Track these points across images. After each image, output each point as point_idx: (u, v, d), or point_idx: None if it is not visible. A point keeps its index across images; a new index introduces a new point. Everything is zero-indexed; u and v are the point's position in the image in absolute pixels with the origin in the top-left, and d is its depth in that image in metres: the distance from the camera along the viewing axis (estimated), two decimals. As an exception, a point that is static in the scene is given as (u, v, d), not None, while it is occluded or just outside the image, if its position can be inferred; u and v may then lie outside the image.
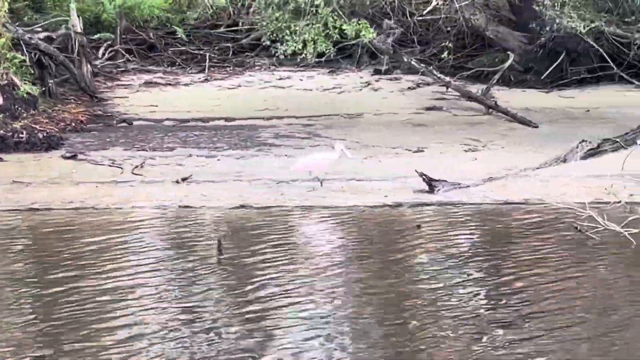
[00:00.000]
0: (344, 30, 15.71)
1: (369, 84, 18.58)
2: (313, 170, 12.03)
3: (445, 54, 18.15)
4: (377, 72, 19.20)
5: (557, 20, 17.75)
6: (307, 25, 15.63)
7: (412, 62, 17.58)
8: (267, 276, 8.45)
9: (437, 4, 18.91)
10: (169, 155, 13.69)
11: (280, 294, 7.93)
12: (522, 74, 18.08)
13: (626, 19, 17.94)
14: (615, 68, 17.70)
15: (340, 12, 15.79)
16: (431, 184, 12.05)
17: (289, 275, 8.54)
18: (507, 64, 17.44)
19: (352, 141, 14.28)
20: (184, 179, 12.31)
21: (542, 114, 15.91)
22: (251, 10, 20.23)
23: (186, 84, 18.73)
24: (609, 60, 17.66)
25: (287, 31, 15.79)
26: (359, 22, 15.88)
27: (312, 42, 15.63)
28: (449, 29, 19.14)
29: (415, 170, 12.11)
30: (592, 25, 17.64)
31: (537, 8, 17.38)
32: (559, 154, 13.24)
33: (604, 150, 13.30)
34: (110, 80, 18.55)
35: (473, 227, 10.76)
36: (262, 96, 17.90)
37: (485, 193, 11.83)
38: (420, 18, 19.18)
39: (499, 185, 12.12)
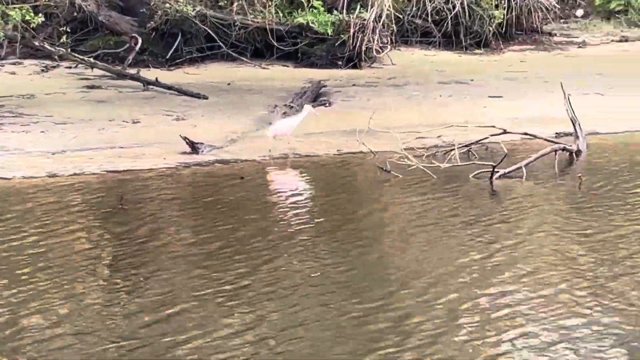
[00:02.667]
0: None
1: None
2: (286, 134, 13.21)
3: (64, 38, 18.85)
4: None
5: (168, 5, 19.66)
6: None
7: (47, 47, 18.04)
8: None
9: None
10: None
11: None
12: (139, 55, 19.40)
13: (220, 3, 20.48)
14: (223, 47, 19.99)
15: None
16: (194, 146, 13.41)
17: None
18: (137, 47, 18.79)
19: (60, 121, 14.74)
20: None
21: (194, 88, 17.56)
22: None
23: None
24: (217, 39, 19.90)
25: None
26: None
27: None
28: (62, 13, 19.60)
29: (180, 135, 13.41)
30: (198, 9, 19.89)
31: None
32: (252, 118, 15.49)
33: (290, 114, 15.85)
34: None
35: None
36: None
37: (244, 151, 13.59)
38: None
39: (248, 144, 13.94)
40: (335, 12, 20.50)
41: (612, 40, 23.61)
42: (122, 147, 13.42)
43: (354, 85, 18.44)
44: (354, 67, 20.27)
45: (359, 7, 20.42)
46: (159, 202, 11.02)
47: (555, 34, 24.38)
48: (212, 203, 10.92)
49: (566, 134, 13.67)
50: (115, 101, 16.40)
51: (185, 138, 13.38)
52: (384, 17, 20.51)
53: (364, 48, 20.19)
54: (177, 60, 19.84)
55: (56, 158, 12.69)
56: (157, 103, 16.36)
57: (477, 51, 22.39)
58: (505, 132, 12.63)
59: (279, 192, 11.85)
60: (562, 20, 25.74)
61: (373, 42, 20.37)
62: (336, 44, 20.22)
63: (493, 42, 22.73)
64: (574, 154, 12.53)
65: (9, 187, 11.41)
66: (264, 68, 20.01)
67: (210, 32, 19.91)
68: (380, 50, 20.72)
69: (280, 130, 13.53)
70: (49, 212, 10.20)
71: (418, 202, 10.87)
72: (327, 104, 16.61)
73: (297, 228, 9.71)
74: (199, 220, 10.23)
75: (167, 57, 19.65)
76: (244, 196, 11.23)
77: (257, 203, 10.98)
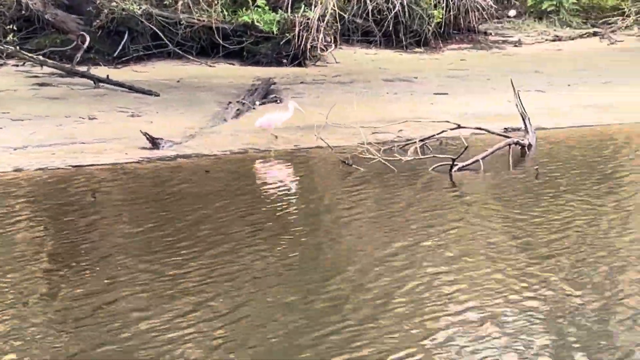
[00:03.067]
0: None
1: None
2: (271, 127, 13.63)
3: (10, 37, 18.84)
4: None
5: (114, 4, 19.77)
6: None
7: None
8: None
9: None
10: None
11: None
12: (86, 53, 19.42)
13: (165, 2, 20.63)
14: (170, 45, 20.15)
15: None
16: (154, 141, 13.62)
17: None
18: (85, 45, 18.86)
19: (16, 117, 14.81)
20: None
21: (144, 86, 17.68)
22: None
23: None
24: (163, 38, 20.05)
25: None
26: None
27: None
28: (8, 12, 19.54)
29: (140, 131, 13.65)
30: (144, 7, 20.03)
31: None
32: (206, 115, 15.75)
33: (243, 110, 16.18)
34: None
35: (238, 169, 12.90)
36: None
37: (202, 146, 13.85)
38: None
39: (206, 139, 14.20)
40: (280, 11, 20.80)
41: (546, 40, 24.39)
42: (83, 143, 13.57)
43: (301, 82, 18.80)
44: (299, 65, 20.62)
45: (303, 6, 20.76)
46: (125, 196, 11.23)
47: (491, 34, 25.08)
48: (176, 194, 11.16)
49: (514, 129, 14.20)
50: (69, 98, 16.48)
51: (145, 134, 13.58)
52: (327, 16, 20.90)
53: (308, 46, 20.56)
54: (124, 58, 19.94)
55: (19, 153, 12.79)
56: (109, 100, 16.47)
57: (417, 50, 22.94)
58: (459, 126, 13.10)
59: (244, 185, 12.09)
60: (496, 20, 26.43)
61: (317, 40, 20.75)
62: (281, 43, 20.55)
63: (432, 41, 23.29)
64: (526, 148, 13.04)
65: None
66: (210, 66, 20.24)
67: (157, 31, 20.06)
68: (324, 49, 21.12)
69: (267, 122, 13.80)
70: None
71: (375, 194, 11.30)
72: (278, 101, 16.91)
73: (255, 218, 10.01)
74: (162, 212, 10.43)
75: (115, 55, 19.73)
76: (208, 189, 11.48)
77: (219, 195, 11.21)
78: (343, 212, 10.34)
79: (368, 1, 22.69)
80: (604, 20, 26.13)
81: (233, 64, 20.58)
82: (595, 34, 24.86)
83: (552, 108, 16.14)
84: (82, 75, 17.72)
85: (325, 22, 20.80)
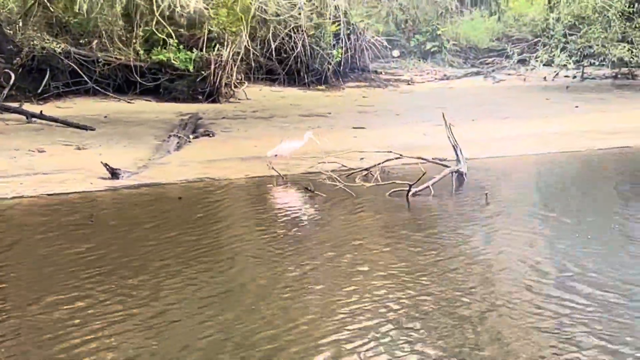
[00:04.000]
0: None
1: None
2: (285, 155, 14.48)
3: None
4: None
5: (35, 42, 20.24)
6: None
7: None
8: None
9: None
10: None
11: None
12: (10, 90, 19.78)
13: (81, 41, 21.21)
14: (89, 82, 20.74)
15: None
16: (114, 172, 14.29)
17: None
18: (11, 82, 19.28)
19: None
20: None
21: (75, 120, 18.22)
22: None
23: None
24: (82, 75, 20.63)
25: None
26: None
27: None
28: None
29: (101, 162, 14.29)
30: (62, 46, 20.58)
31: (8, 32, 19.66)
32: (149, 147, 16.54)
33: (182, 143, 17.03)
34: None
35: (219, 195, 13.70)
36: None
37: (160, 176, 14.59)
38: None
39: (158, 169, 14.96)
40: (194, 49, 21.71)
41: (435, 78, 26.19)
42: (44, 174, 14.07)
43: (223, 117, 19.74)
44: (214, 101, 21.59)
45: (217, 45, 21.74)
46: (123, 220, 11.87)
47: (382, 72, 26.70)
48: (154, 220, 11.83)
49: (441, 160, 15.54)
50: (9, 132, 16.88)
51: (106, 165, 14.20)
52: (241, 54, 21.96)
53: (223, 83, 21.55)
54: (45, 95, 20.39)
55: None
56: (48, 134, 16.98)
57: (319, 87, 24.27)
58: (401, 156, 14.36)
59: (213, 211, 12.89)
60: (382, 60, 28.11)
61: (231, 78, 21.78)
62: (197, 80, 21.46)
63: (333, 79, 24.68)
64: (463, 175, 14.37)
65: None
66: (128, 102, 20.94)
67: (76, 68, 20.63)
68: (237, 86, 22.16)
69: (282, 151, 14.64)
70: None
71: (340, 219, 12.36)
72: (211, 134, 17.81)
73: (216, 241, 10.60)
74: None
75: (38, 91, 20.16)
76: (176, 214, 12.21)
77: (185, 219, 11.89)
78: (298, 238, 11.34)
79: (272, 41, 23.87)
80: (481, 60, 28.23)
81: (149, 100, 21.35)
82: (478, 73, 26.86)
83: (466, 141, 17.60)
84: (15, 110, 18.12)
85: (239, 60, 21.85)
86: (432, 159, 15.53)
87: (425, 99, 22.73)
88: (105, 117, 19.13)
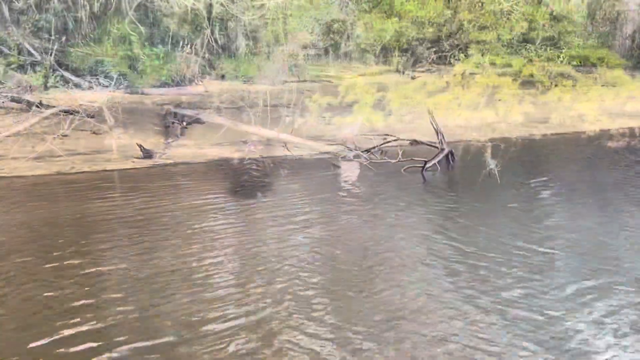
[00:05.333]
0: None
1: None
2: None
3: None
4: None
5: None
6: None
7: None
8: None
9: None
10: None
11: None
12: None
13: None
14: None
15: None
16: (148, 152, 16.10)
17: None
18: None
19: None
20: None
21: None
22: None
23: None
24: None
25: None
26: None
27: None
28: None
29: (137, 144, 16.07)
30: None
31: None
32: (154, 133, 18.27)
33: (184, 129, 18.76)
34: None
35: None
36: None
37: (188, 156, 16.48)
38: None
39: (178, 150, 16.81)
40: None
41: (359, 75, 28.64)
42: (84, 154, 15.69)
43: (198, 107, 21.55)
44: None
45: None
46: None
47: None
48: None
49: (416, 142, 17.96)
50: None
51: (140, 146, 16.03)
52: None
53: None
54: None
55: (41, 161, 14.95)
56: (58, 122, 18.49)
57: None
58: (398, 138, 16.74)
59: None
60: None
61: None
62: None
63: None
64: (453, 155, 16.83)
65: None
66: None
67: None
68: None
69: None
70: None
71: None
72: (201, 121, 19.68)
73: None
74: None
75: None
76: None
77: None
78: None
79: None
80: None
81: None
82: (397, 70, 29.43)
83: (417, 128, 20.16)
84: (18, 101, 19.47)
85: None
86: (427, 141, 17.97)
87: (361, 92, 25.12)
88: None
